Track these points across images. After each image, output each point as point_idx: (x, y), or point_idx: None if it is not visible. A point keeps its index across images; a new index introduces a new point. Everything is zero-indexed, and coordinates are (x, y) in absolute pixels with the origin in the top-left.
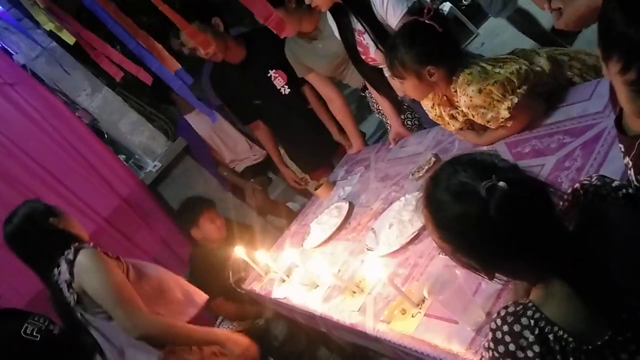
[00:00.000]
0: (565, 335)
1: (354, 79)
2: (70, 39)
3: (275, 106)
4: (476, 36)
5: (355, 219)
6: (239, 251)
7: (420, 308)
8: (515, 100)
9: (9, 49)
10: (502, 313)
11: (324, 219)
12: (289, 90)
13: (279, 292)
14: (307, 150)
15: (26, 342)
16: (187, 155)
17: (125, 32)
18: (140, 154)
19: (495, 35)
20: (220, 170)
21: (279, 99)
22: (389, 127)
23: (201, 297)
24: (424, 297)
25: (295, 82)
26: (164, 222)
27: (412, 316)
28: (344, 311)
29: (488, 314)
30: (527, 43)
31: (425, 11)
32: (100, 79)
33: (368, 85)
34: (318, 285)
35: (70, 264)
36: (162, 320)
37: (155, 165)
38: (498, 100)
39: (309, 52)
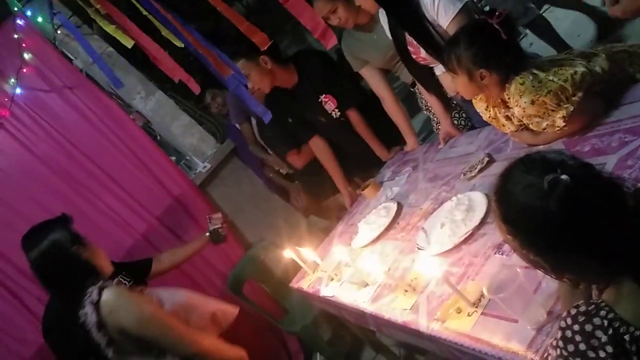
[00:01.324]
0: None
1: (405, 72)
2: (128, 42)
3: (328, 130)
4: (524, 36)
5: (404, 219)
6: (288, 253)
7: (476, 307)
8: (571, 108)
9: (69, 54)
10: (573, 312)
11: (372, 218)
12: (339, 113)
13: (327, 291)
14: (359, 171)
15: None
16: (234, 157)
17: (181, 36)
18: (190, 156)
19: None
20: (266, 172)
21: (331, 122)
22: (435, 127)
23: (230, 315)
24: (481, 296)
25: (343, 106)
26: None
27: (469, 315)
28: (396, 309)
29: (549, 313)
30: (574, 43)
31: (497, 14)
32: (154, 83)
33: (418, 84)
34: (368, 284)
35: (96, 304)
36: (207, 336)
37: (205, 166)
38: (553, 110)
39: (365, 44)
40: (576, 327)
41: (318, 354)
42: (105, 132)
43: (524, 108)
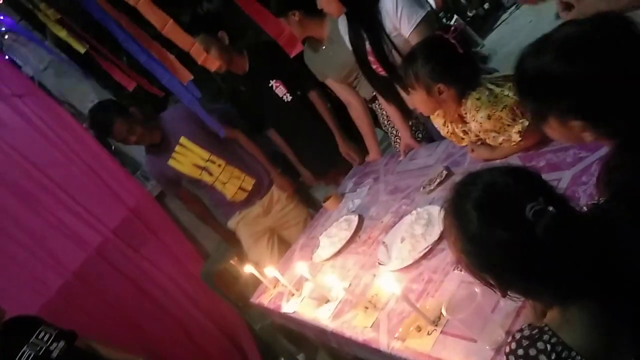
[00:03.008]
0: None
1: (364, 88)
2: (81, 48)
3: (279, 114)
4: (482, 47)
5: (366, 232)
6: (248, 268)
7: (436, 325)
8: (526, 123)
9: (17, 61)
10: (517, 336)
11: (333, 231)
12: (291, 97)
13: (288, 307)
14: (316, 156)
15: None
16: None
17: (135, 43)
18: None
19: (501, 47)
20: None
21: (282, 106)
22: (394, 140)
23: None
24: (440, 314)
25: (298, 89)
26: (172, 234)
27: (428, 333)
28: (357, 327)
29: (507, 332)
30: None
31: (452, 29)
32: (108, 91)
33: (378, 96)
34: (329, 300)
35: None
36: None
37: None
38: (509, 125)
39: (321, 58)
40: (520, 352)
41: None
42: (57, 142)
43: (480, 123)
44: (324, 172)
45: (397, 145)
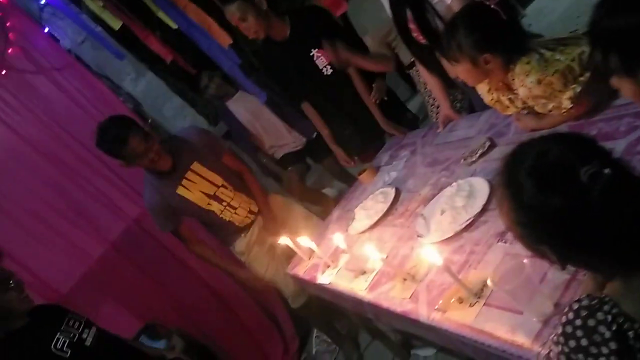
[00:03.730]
0: None
1: (403, 52)
2: (116, 23)
3: (318, 87)
4: (523, 17)
5: (403, 205)
6: (283, 239)
7: (479, 297)
8: (578, 89)
9: (55, 34)
10: (575, 307)
11: (369, 204)
12: (331, 70)
13: (324, 278)
14: (352, 134)
15: (55, 359)
16: (228, 140)
17: (173, 9)
18: None
19: (543, 16)
20: (259, 157)
21: (321, 79)
22: (431, 110)
23: None
24: (483, 286)
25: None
26: None
27: (471, 305)
28: (395, 298)
29: (556, 305)
30: (573, 24)
31: None
32: (144, 64)
33: (418, 64)
34: (365, 272)
35: None
36: None
37: None
38: (559, 91)
39: (365, 12)
40: (578, 322)
41: (315, 339)
42: (95, 114)
43: (529, 88)
44: (359, 152)
45: (435, 116)
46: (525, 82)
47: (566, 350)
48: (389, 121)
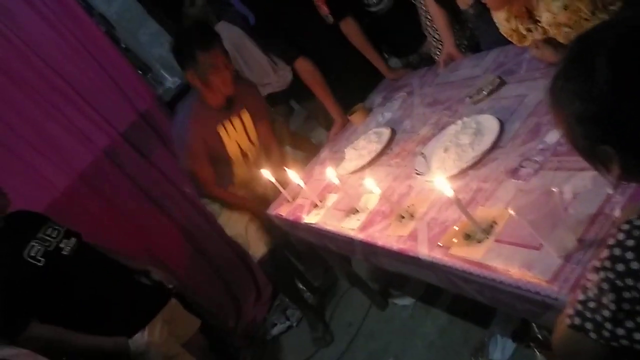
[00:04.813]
0: None
1: None
2: None
3: (321, 38)
4: None
5: (399, 145)
6: (265, 173)
7: (488, 234)
8: (607, 19)
9: None
10: (626, 227)
11: (361, 144)
12: (332, 20)
13: (310, 218)
14: (351, 86)
15: (27, 266)
16: None
17: None
18: (158, 69)
19: None
20: None
21: (324, 29)
22: (435, 47)
23: None
24: (492, 222)
25: (338, 11)
26: None
27: (478, 242)
28: (391, 237)
29: (580, 241)
30: None
31: None
32: None
33: None
34: (358, 210)
35: None
36: None
37: (175, 82)
38: (586, 19)
39: None
40: (630, 243)
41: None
42: (64, 32)
43: (555, 14)
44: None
45: (437, 55)
46: (551, 6)
47: (611, 276)
48: (392, 68)
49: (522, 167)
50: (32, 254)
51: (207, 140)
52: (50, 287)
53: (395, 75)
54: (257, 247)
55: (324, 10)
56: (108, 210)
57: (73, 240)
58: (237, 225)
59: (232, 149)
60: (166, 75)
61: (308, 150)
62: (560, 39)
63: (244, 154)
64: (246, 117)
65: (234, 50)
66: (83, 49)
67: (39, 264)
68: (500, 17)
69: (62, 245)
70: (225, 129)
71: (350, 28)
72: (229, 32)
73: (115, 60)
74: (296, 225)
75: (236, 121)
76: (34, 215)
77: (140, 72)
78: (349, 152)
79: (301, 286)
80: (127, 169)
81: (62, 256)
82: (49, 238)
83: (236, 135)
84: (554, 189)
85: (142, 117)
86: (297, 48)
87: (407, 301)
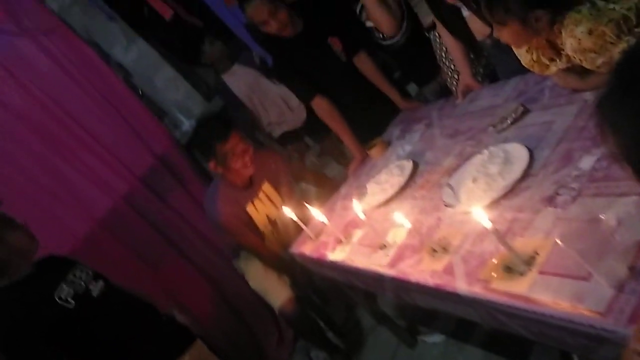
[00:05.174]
0: None
1: (424, 12)
2: None
3: (336, 75)
4: None
5: (422, 177)
6: (286, 211)
7: (530, 265)
8: (633, 42)
9: None
10: None
11: (383, 178)
12: (345, 58)
13: (335, 255)
14: (367, 121)
15: (58, 308)
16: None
17: None
18: (175, 112)
19: None
20: (256, 134)
21: (340, 66)
22: (452, 77)
23: None
24: (534, 254)
25: (351, 49)
26: (199, 184)
27: (521, 274)
28: (424, 272)
29: (631, 269)
30: None
31: None
32: (136, 30)
33: (438, 27)
34: (385, 246)
35: None
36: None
37: (191, 125)
38: (612, 43)
39: None
40: None
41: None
42: (83, 82)
43: (579, 39)
44: (372, 138)
45: (453, 85)
46: (575, 32)
47: None
48: (406, 98)
49: (558, 194)
50: (63, 296)
51: (239, 217)
52: (79, 328)
53: (409, 106)
54: (276, 296)
55: (338, 47)
56: (129, 255)
57: (101, 282)
58: (257, 275)
59: (261, 222)
60: (182, 119)
61: (324, 186)
62: (587, 65)
63: (273, 223)
64: (267, 187)
65: (249, 91)
66: (101, 97)
67: (69, 306)
68: (520, 50)
69: (91, 287)
70: (254, 206)
71: (363, 63)
72: (244, 74)
73: (133, 106)
74: (320, 262)
75: (261, 195)
76: (63, 259)
77: (157, 117)
78: (371, 187)
79: (323, 325)
80: (146, 214)
81: (91, 298)
82: (78, 280)
83: (264, 208)
84: (601, 216)
85: (160, 160)
86: (314, 87)
87: (437, 338)
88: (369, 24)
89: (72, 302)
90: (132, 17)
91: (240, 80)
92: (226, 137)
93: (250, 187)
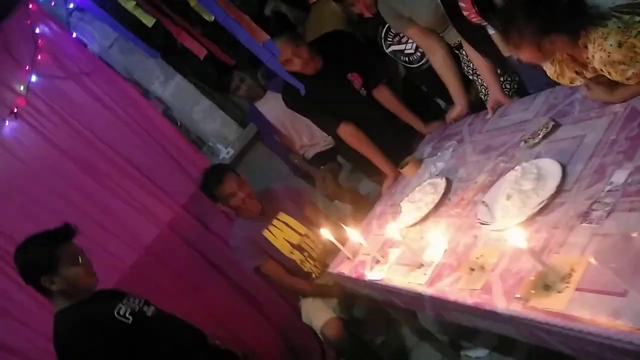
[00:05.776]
0: None
1: (451, 34)
2: (149, 21)
3: (357, 109)
4: None
5: (457, 195)
6: (324, 232)
7: (567, 282)
8: None
9: (83, 39)
10: None
11: (417, 196)
12: (365, 92)
13: (373, 274)
14: (392, 146)
15: (118, 323)
16: (258, 141)
17: (210, 0)
18: (213, 142)
19: None
20: (290, 157)
21: (359, 101)
22: (480, 91)
23: None
24: (571, 271)
25: (371, 82)
26: None
27: (559, 292)
28: (463, 290)
29: None
30: None
31: None
32: (173, 68)
33: (465, 46)
34: (422, 265)
35: None
36: None
37: (228, 152)
38: None
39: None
40: None
41: None
42: (125, 118)
43: (609, 52)
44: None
45: (485, 97)
46: (604, 45)
47: None
48: (427, 122)
49: (592, 210)
50: (122, 313)
51: (253, 240)
52: (137, 343)
53: (431, 130)
54: (317, 317)
55: (357, 83)
56: (176, 282)
57: (152, 307)
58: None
59: (284, 248)
60: (220, 147)
61: (359, 203)
62: (617, 77)
63: (299, 248)
64: (285, 217)
65: (282, 116)
66: (143, 130)
67: (127, 321)
68: (546, 62)
69: (144, 309)
70: (270, 232)
71: (383, 95)
72: (275, 100)
73: (172, 137)
74: (359, 282)
75: (277, 223)
76: (116, 291)
77: (196, 146)
78: (405, 206)
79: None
80: (190, 240)
81: (146, 316)
82: (132, 304)
83: (282, 234)
84: (633, 235)
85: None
86: (337, 117)
87: (480, 352)
88: (393, 48)
89: (130, 317)
90: (167, 52)
91: (272, 106)
92: (221, 181)
93: (264, 216)
